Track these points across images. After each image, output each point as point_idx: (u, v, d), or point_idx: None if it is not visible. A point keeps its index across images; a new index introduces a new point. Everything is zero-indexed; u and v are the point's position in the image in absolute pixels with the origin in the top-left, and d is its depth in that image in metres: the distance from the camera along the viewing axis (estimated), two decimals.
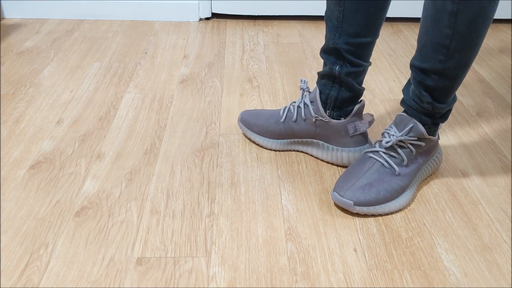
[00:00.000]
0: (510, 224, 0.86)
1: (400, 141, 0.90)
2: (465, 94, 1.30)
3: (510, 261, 0.79)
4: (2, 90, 1.26)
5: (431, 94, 0.85)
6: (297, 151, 1.05)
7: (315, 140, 1.01)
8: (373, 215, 0.87)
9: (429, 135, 0.91)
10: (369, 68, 1.44)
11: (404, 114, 0.90)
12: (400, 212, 0.88)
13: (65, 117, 1.15)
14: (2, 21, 1.73)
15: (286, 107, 1.03)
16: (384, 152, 0.91)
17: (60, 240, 0.80)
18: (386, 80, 1.37)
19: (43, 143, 1.05)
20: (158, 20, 1.78)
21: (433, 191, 0.94)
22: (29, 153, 1.02)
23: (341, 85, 0.95)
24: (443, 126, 1.15)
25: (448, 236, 0.83)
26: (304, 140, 1.02)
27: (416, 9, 1.78)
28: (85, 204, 0.88)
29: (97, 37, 1.62)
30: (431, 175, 0.98)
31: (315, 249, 0.80)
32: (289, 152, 1.04)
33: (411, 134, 0.89)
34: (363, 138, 0.99)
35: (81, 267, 0.76)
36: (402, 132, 0.89)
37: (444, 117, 0.90)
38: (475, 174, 0.99)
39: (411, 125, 0.88)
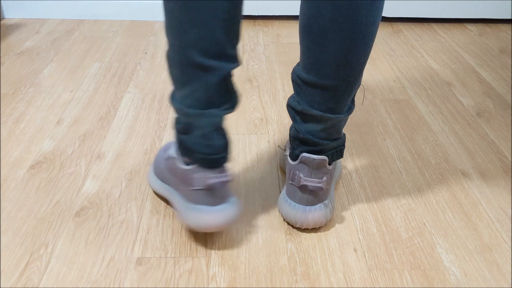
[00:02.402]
0: (510, 224, 0.86)
1: None
2: (465, 94, 1.30)
3: (510, 261, 0.79)
4: (2, 90, 1.26)
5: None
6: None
7: None
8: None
9: None
10: (369, 68, 1.44)
11: None
12: (400, 212, 0.88)
13: (65, 117, 1.15)
14: (2, 21, 1.73)
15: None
16: None
17: (60, 240, 0.80)
18: (386, 80, 1.37)
19: (43, 143, 1.05)
20: (158, 20, 1.78)
21: (433, 191, 0.94)
22: (29, 153, 1.02)
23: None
24: (443, 127, 1.15)
25: (448, 236, 0.83)
26: None
27: (416, 9, 1.78)
28: (85, 204, 0.88)
29: (97, 37, 1.62)
30: None
31: (315, 249, 0.80)
32: None
33: None
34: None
35: (81, 267, 0.75)
36: None
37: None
38: (475, 174, 0.99)
39: None
